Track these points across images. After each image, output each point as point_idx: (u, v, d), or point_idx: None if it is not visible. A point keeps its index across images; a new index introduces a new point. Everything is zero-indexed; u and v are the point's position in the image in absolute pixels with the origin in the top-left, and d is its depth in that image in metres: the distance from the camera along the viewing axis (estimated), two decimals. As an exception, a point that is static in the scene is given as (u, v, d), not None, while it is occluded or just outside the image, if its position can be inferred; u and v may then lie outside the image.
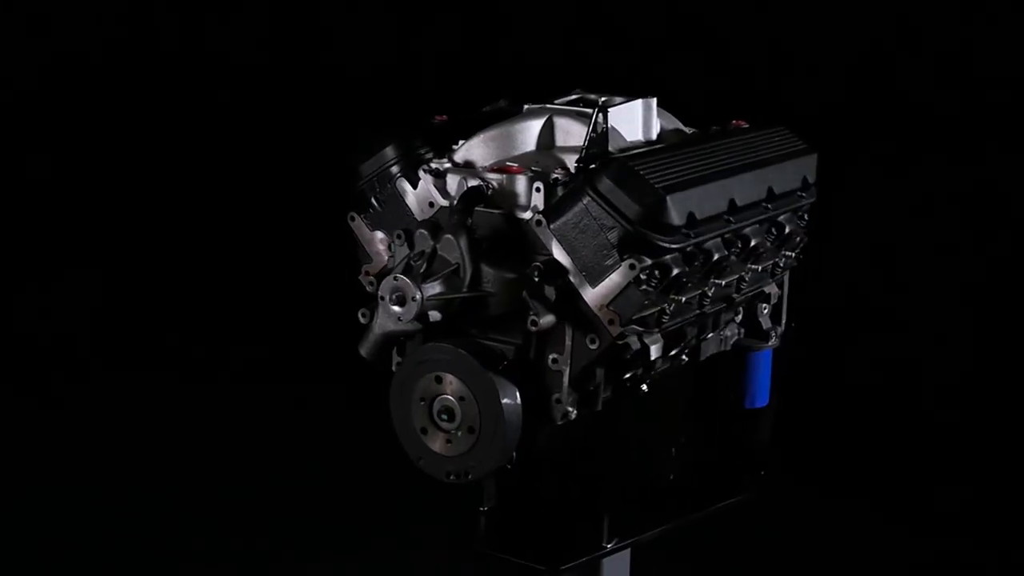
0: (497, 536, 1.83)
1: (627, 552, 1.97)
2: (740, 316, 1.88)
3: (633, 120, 1.83)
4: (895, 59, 4.09)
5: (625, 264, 1.58)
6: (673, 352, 1.79)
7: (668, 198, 1.58)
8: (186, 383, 3.95)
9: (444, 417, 1.67)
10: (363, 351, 1.71)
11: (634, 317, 1.61)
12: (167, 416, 3.78)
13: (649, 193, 1.58)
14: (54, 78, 4.58)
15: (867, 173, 4.02)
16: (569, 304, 1.62)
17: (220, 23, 4.64)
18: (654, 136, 1.84)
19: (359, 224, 1.78)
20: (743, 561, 3.21)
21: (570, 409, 1.67)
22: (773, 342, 1.95)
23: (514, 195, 1.67)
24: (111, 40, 4.62)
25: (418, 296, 1.61)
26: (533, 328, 1.62)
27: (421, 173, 1.73)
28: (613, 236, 1.59)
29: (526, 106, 1.80)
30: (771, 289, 1.88)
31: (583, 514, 1.84)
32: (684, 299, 1.67)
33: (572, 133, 1.75)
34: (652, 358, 1.65)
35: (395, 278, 1.63)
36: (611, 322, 1.61)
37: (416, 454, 1.71)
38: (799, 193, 1.83)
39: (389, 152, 1.75)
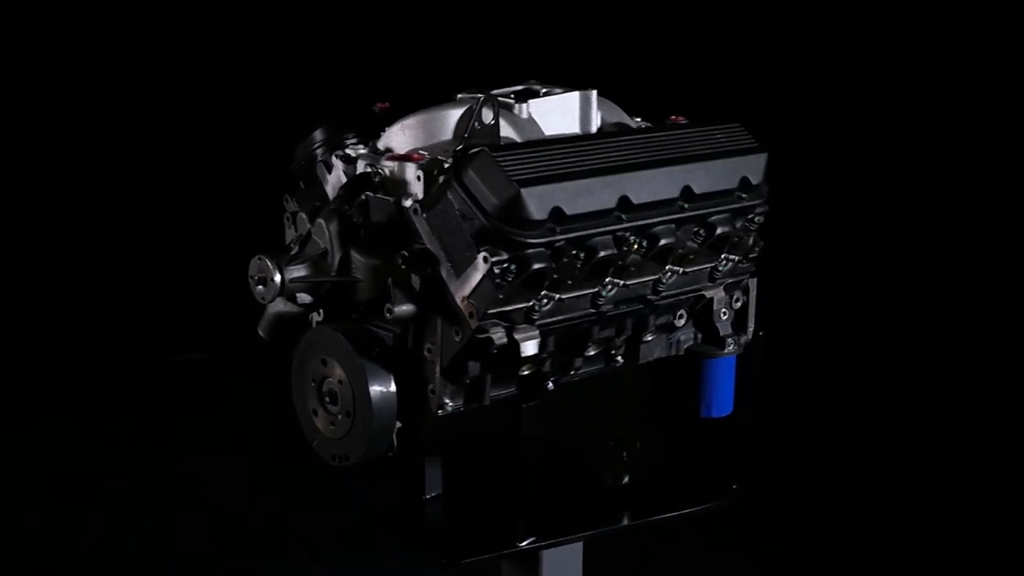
0: (407, 523, 1.84)
1: (578, 547, 1.94)
2: (684, 320, 1.82)
3: (569, 112, 1.79)
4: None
5: (479, 257, 1.56)
6: (593, 353, 1.75)
7: (523, 191, 1.55)
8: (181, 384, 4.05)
9: (328, 400, 1.69)
10: (260, 330, 1.75)
11: (493, 311, 1.58)
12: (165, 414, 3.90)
13: (504, 186, 1.55)
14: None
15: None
16: (439, 295, 1.61)
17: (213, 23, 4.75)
18: (593, 129, 1.79)
19: (291, 206, 1.82)
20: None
21: (448, 401, 1.66)
22: (731, 350, 1.87)
23: (404, 183, 1.67)
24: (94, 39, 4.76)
25: (277, 278, 1.64)
26: (389, 316, 1.62)
27: (334, 158, 1.76)
28: (473, 228, 1.57)
29: (459, 95, 1.79)
30: (715, 294, 1.80)
31: (511, 510, 1.82)
32: (564, 297, 1.63)
33: (503, 122, 1.74)
34: (525, 354, 1.62)
35: (259, 259, 1.66)
36: (471, 315, 1.59)
37: (310, 435, 1.74)
38: (738, 194, 1.74)
39: (317, 136, 1.79)
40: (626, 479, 1.93)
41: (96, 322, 4.46)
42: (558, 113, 1.79)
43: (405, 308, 1.62)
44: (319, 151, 1.78)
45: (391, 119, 1.80)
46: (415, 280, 1.62)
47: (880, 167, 4.35)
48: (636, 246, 1.66)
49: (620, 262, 1.65)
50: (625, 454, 1.93)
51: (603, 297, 1.66)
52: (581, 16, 4.72)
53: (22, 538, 3.34)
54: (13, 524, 3.40)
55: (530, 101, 1.76)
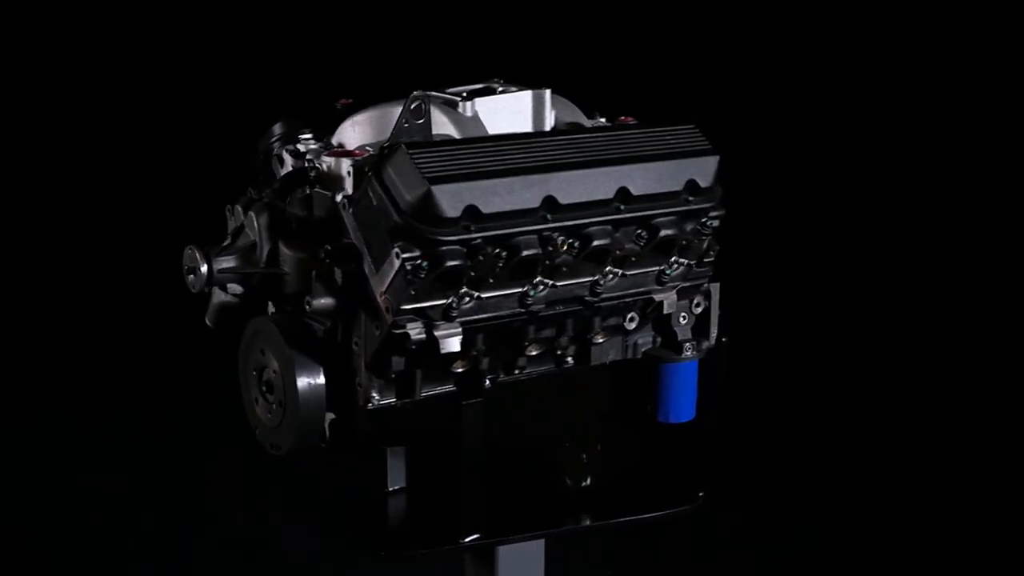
0: (361, 517, 1.86)
1: (539, 547, 1.94)
2: (635, 323, 1.79)
3: (521, 112, 1.79)
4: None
5: (392, 253, 1.57)
6: (536, 353, 1.75)
7: (434, 188, 1.55)
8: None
9: (265, 389, 1.73)
10: (207, 319, 1.79)
11: (407, 307, 1.59)
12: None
13: (416, 183, 1.56)
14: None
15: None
16: (362, 290, 1.63)
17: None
18: (546, 128, 1.79)
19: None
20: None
21: (375, 395, 1.67)
22: (689, 355, 1.84)
23: (340, 178, 1.69)
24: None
25: (204, 268, 1.68)
26: (308, 308, 1.64)
27: (284, 153, 1.79)
28: (388, 224, 1.58)
29: (414, 92, 1.80)
30: (666, 297, 1.77)
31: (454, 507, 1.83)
32: (488, 295, 1.62)
33: (438, 120, 1.75)
34: (446, 351, 1.62)
35: (189, 248, 1.70)
36: (387, 310, 1.60)
37: (253, 423, 1.77)
38: (685, 197, 1.72)
39: (275, 130, 1.82)
40: (587, 481, 1.92)
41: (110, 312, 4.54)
42: (510, 112, 1.79)
43: (324, 301, 1.64)
44: (275, 145, 1.81)
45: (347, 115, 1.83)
46: (338, 274, 1.64)
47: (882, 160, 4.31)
48: (566, 246, 1.64)
49: (548, 262, 1.64)
50: (584, 456, 1.92)
51: (532, 297, 1.65)
52: (573, 16, 4.75)
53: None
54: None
55: (479, 99, 1.76)
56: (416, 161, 1.57)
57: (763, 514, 3.43)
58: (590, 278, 1.69)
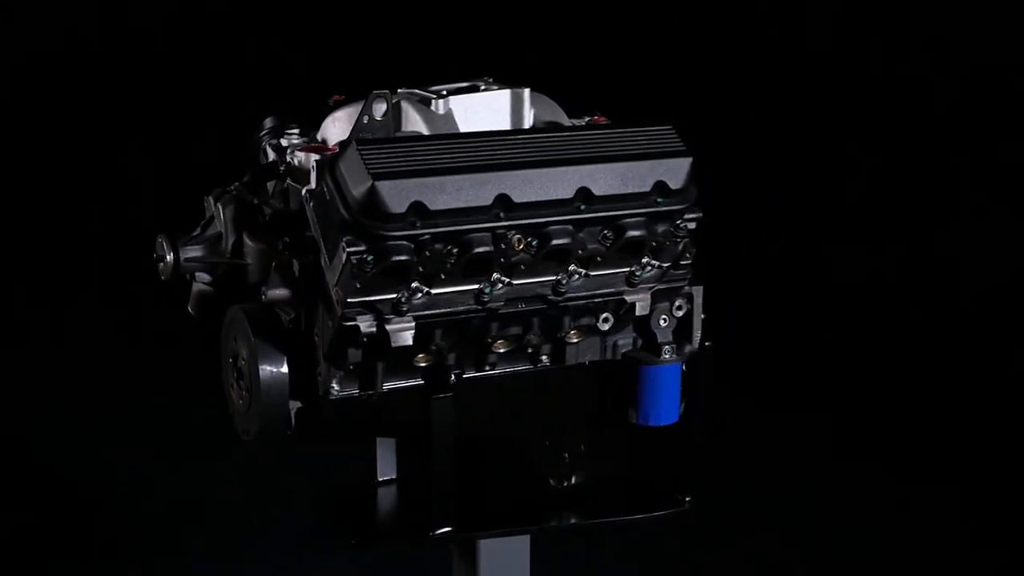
0: (336, 505, 1.89)
1: (525, 543, 1.94)
2: (609, 324, 1.78)
3: (500, 110, 1.80)
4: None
5: (340, 246, 1.60)
6: (505, 350, 1.75)
7: (378, 184, 1.57)
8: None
9: (237, 375, 1.77)
10: (189, 307, 1.85)
11: (355, 300, 1.61)
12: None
13: (363, 178, 1.58)
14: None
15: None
16: (321, 282, 1.66)
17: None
18: (525, 127, 1.80)
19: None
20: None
21: (335, 386, 1.70)
22: (667, 358, 1.83)
23: (309, 172, 1.73)
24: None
25: (170, 257, 1.73)
26: (264, 298, 1.68)
27: (267, 147, 1.83)
28: (338, 218, 1.61)
29: (399, 89, 1.83)
30: (638, 299, 1.76)
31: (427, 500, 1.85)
32: (440, 291, 1.64)
33: (410, 118, 1.77)
34: (396, 344, 1.64)
35: (159, 237, 1.75)
36: (338, 302, 1.63)
37: (231, 408, 1.82)
38: (655, 198, 1.70)
39: (265, 124, 1.86)
40: (571, 480, 1.92)
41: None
42: (488, 111, 1.80)
43: (279, 292, 1.68)
44: (264, 138, 1.85)
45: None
46: (296, 266, 1.67)
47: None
48: (522, 245, 1.65)
49: (504, 260, 1.64)
50: (567, 456, 1.91)
51: (488, 294, 1.66)
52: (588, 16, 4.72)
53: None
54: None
55: (456, 97, 1.78)
56: (364, 157, 1.59)
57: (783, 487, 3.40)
58: (552, 277, 1.69)
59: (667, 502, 1.91)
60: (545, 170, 1.65)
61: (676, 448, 1.90)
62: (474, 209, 1.62)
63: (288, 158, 1.75)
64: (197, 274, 1.77)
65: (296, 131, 1.83)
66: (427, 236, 1.60)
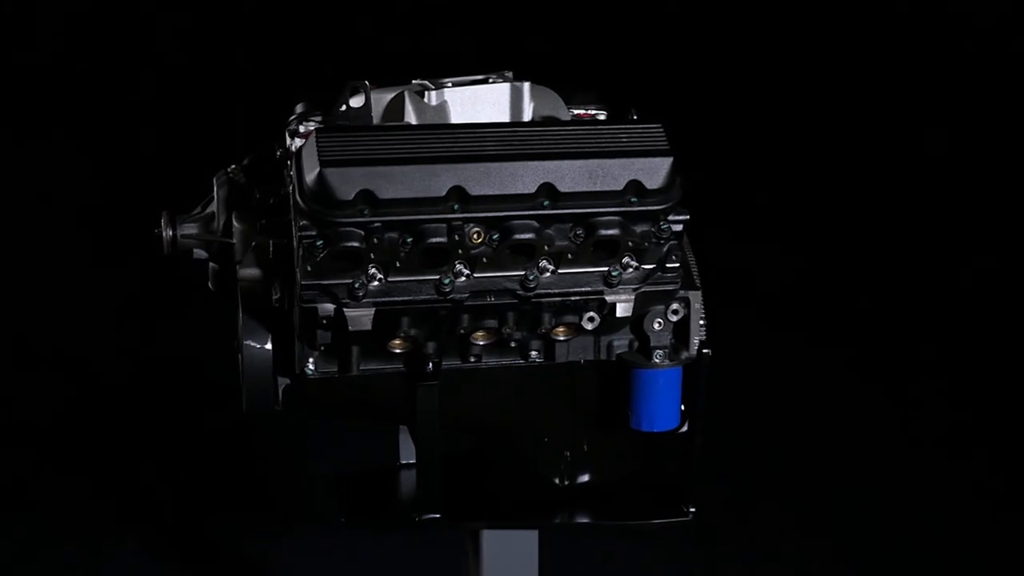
0: (340, 485, 1.95)
1: (533, 537, 1.95)
2: (594, 323, 1.75)
3: (499, 103, 1.81)
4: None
5: (295, 230, 1.65)
6: (484, 344, 1.75)
7: (326, 171, 1.61)
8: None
9: (237, 349, 1.85)
10: (209, 283, 1.93)
11: (308, 282, 1.65)
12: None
13: (313, 165, 1.62)
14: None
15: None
16: (291, 264, 1.72)
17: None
18: (524, 121, 1.80)
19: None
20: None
21: (311, 365, 1.75)
22: (660, 362, 1.78)
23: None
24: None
25: (168, 233, 1.82)
26: (237, 276, 1.75)
27: (287, 132, 1.89)
28: (294, 203, 1.66)
29: (413, 80, 1.86)
30: (617, 300, 1.72)
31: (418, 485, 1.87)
32: (398, 279, 1.66)
33: (409, 109, 1.80)
34: (353, 328, 1.67)
35: (161, 212, 1.84)
36: (297, 285, 1.68)
37: (240, 381, 1.90)
38: (629, 198, 1.67)
39: (297, 108, 1.93)
40: (572, 479, 1.90)
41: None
42: (488, 104, 1.80)
43: (249, 272, 1.74)
44: (292, 123, 1.92)
45: None
46: (270, 247, 1.73)
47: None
48: (481, 238, 1.65)
49: (462, 252, 1.65)
50: (568, 454, 1.90)
51: (448, 285, 1.67)
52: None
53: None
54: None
55: (454, 90, 1.79)
56: (319, 144, 1.63)
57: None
58: (516, 272, 1.68)
59: (669, 510, 1.86)
60: (506, 164, 1.64)
61: (678, 454, 1.85)
62: (426, 200, 1.63)
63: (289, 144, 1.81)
64: (195, 250, 1.85)
65: (319, 118, 1.89)
66: (378, 224, 1.62)
